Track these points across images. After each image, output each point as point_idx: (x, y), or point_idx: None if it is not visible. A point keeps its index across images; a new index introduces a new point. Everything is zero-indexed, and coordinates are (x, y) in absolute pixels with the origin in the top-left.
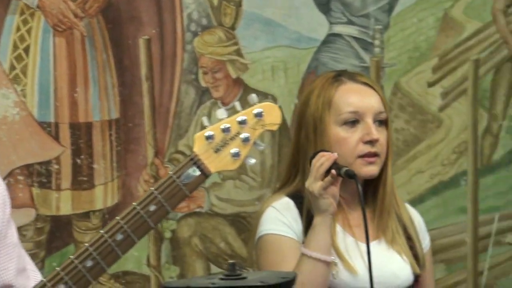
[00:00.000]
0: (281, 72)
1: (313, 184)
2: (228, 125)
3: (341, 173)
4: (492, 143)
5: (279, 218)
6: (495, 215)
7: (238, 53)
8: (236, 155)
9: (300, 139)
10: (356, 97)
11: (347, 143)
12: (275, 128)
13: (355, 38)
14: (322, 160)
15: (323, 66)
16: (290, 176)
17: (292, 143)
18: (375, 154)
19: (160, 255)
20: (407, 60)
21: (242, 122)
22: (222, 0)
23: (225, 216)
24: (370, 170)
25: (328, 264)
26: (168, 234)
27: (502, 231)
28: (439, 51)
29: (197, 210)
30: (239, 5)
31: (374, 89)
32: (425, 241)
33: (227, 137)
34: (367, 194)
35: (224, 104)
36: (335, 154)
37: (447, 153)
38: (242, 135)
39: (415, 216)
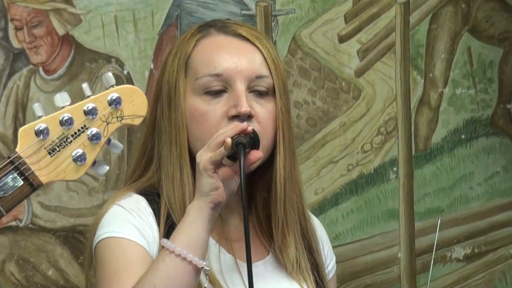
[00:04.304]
0: (129, 26)
1: (203, 154)
2: (69, 116)
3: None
4: (430, 119)
5: (128, 218)
6: (437, 221)
7: None
8: (79, 159)
9: (157, 117)
10: (221, 55)
11: (206, 120)
12: (137, 122)
13: None
14: (228, 128)
15: (188, 16)
16: (145, 166)
17: (147, 122)
18: None
19: None
20: (309, 5)
21: (91, 112)
22: None
23: (54, 232)
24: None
25: (199, 271)
26: None
27: (447, 243)
28: None
29: (12, 224)
30: None
31: (254, 44)
32: (329, 265)
33: (68, 133)
34: (254, 195)
35: (47, 72)
36: (246, 125)
37: (370, 135)
38: (90, 131)
39: (317, 228)
